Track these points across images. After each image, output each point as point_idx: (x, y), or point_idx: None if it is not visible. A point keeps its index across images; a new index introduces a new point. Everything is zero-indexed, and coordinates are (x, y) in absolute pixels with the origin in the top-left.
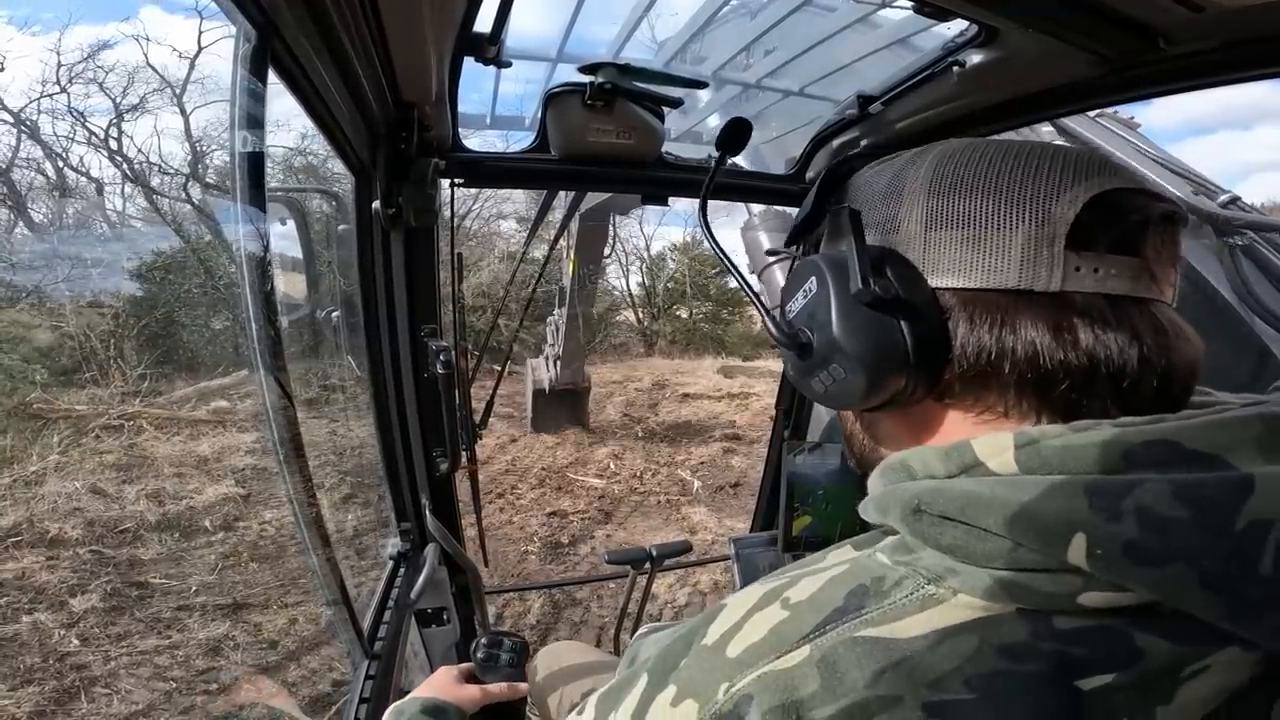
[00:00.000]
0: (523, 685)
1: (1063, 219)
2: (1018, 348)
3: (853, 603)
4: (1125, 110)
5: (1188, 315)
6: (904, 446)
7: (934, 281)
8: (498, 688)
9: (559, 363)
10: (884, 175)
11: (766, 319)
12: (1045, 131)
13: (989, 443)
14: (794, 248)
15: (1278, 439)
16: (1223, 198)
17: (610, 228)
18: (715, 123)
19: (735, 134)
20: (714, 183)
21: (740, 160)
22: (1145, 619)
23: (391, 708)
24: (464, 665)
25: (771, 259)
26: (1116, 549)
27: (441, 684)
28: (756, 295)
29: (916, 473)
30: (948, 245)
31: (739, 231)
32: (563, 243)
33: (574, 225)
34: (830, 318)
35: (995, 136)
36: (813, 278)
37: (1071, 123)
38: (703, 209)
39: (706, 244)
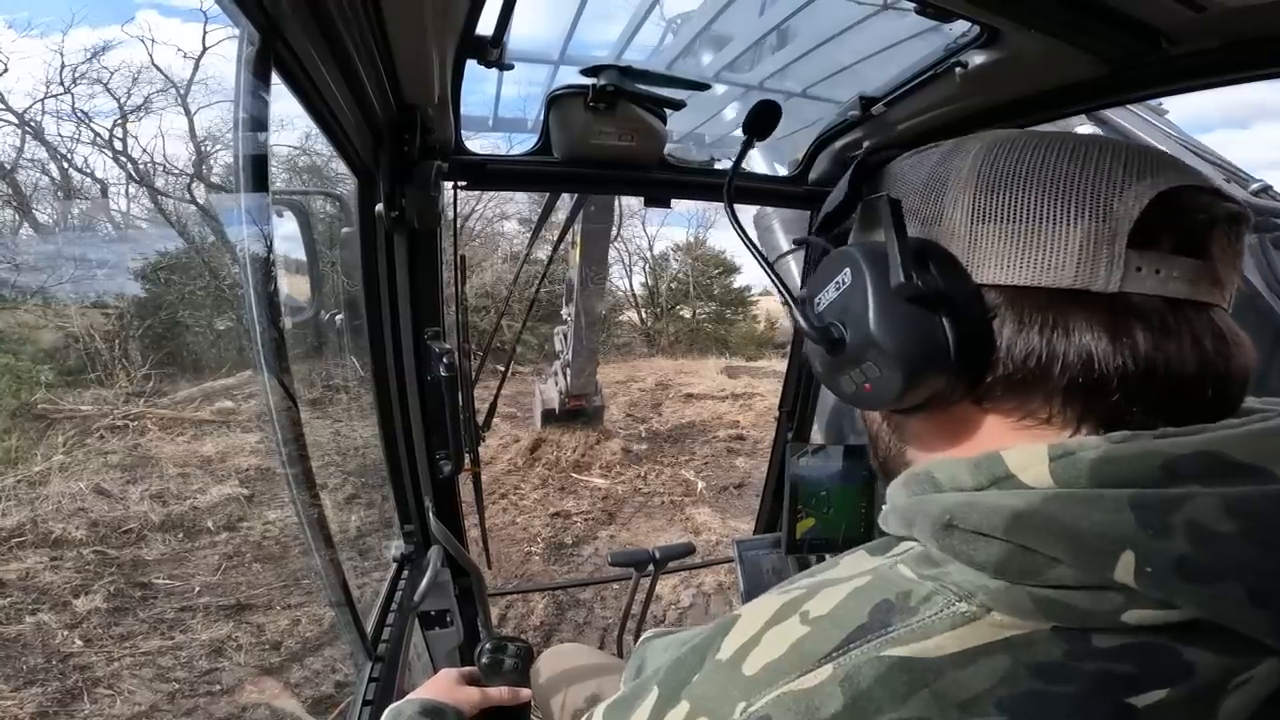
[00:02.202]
0: (525, 691)
1: (1126, 216)
2: (1070, 352)
3: (878, 619)
4: None
5: None
6: (934, 451)
7: (979, 278)
8: (498, 692)
9: (568, 370)
10: (925, 164)
11: (796, 311)
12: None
13: (1021, 454)
14: (821, 237)
15: None
16: (1254, 186)
17: (615, 214)
18: (733, 115)
19: (763, 118)
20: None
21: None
22: (1188, 633)
23: (390, 708)
24: (466, 669)
25: (789, 250)
26: (1168, 566)
27: (441, 686)
28: (784, 286)
29: (943, 484)
30: (996, 240)
31: (750, 220)
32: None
33: (578, 225)
34: (866, 312)
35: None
36: (847, 269)
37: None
38: (728, 195)
39: (726, 243)
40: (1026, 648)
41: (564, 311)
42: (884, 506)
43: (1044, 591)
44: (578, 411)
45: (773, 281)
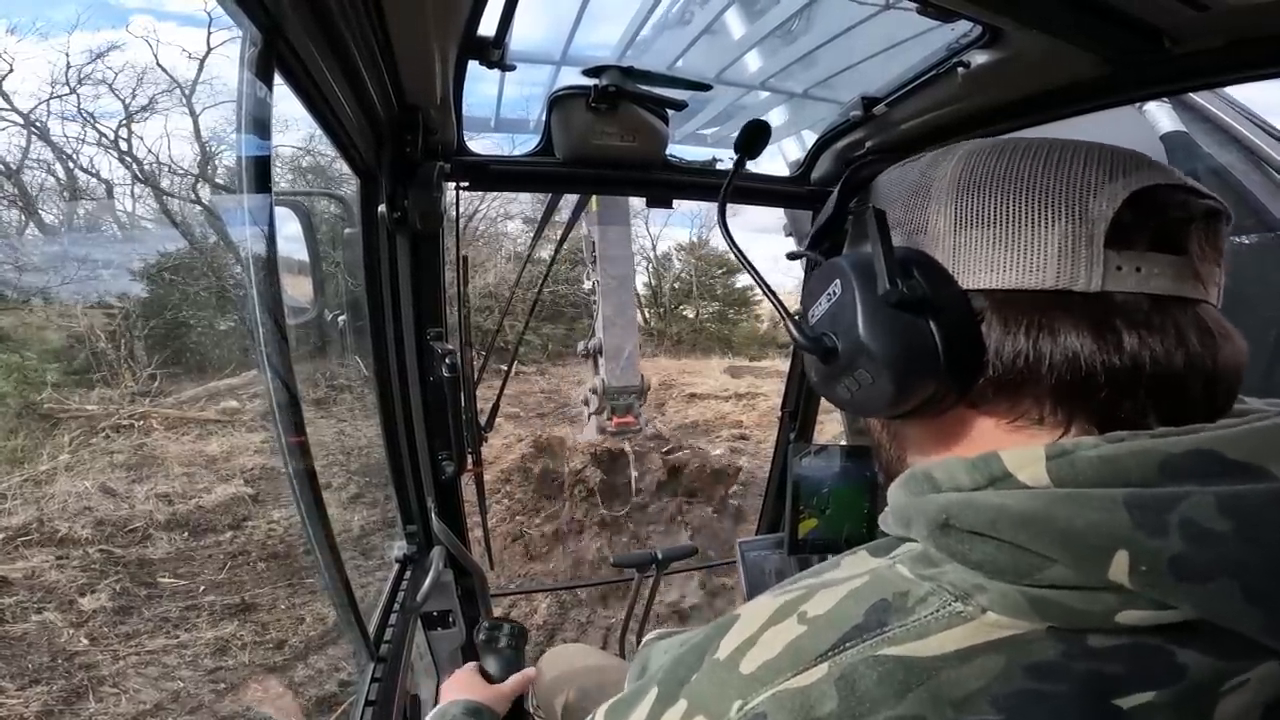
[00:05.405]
0: (531, 670)
1: (1101, 216)
2: (1055, 352)
3: (874, 619)
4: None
5: None
6: (931, 455)
7: (965, 283)
8: (512, 687)
9: (601, 360)
10: (908, 176)
11: (788, 322)
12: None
13: (1019, 454)
14: (815, 251)
15: None
16: None
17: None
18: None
19: (754, 137)
20: (726, 185)
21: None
22: (1184, 635)
23: (435, 710)
24: (476, 664)
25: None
26: (1162, 565)
27: (473, 686)
28: (777, 299)
29: (941, 484)
30: (978, 245)
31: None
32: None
33: (595, 231)
34: (856, 320)
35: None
36: (837, 280)
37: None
38: (721, 212)
39: (726, 246)
40: (1022, 647)
41: (588, 282)
42: (870, 500)
43: (1039, 592)
44: (625, 431)
45: (766, 295)
